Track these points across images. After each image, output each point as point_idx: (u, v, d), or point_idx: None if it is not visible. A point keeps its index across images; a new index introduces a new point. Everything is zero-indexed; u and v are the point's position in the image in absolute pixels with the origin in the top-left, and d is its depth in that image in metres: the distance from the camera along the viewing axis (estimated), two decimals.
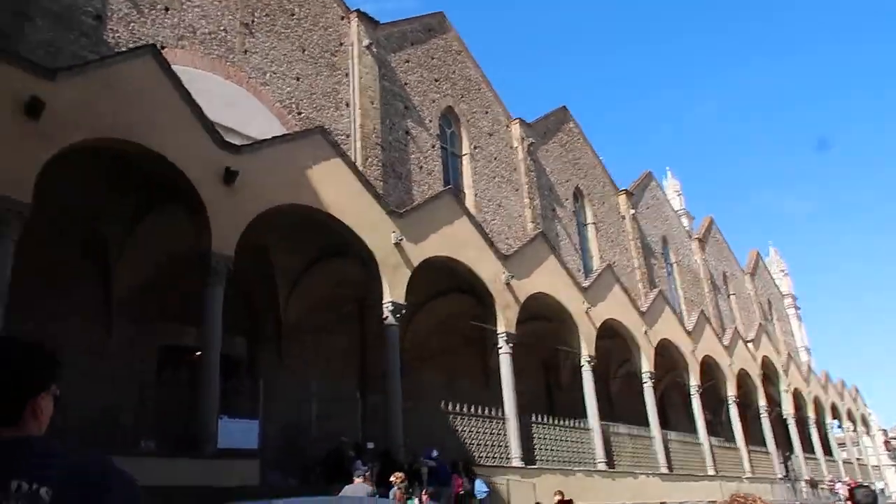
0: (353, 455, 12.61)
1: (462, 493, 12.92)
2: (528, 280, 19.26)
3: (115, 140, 11.00)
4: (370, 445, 13.26)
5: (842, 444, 44.75)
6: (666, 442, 23.35)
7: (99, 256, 14.24)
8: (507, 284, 18.21)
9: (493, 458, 16.25)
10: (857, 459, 45.38)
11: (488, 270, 17.85)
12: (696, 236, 43.55)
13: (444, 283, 19.05)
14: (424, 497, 10.32)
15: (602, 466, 19.51)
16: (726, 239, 48.06)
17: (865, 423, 50.52)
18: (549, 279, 20.19)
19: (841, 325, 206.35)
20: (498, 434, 16.73)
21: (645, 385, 23.46)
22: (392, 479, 9.64)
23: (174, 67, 12.62)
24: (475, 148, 26.69)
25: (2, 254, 9.23)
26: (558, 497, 13.78)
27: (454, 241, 16.97)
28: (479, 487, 13.53)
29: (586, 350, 20.76)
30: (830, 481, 34.19)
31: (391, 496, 9.53)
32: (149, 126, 11.31)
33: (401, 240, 15.19)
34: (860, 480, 39.20)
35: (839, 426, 44.00)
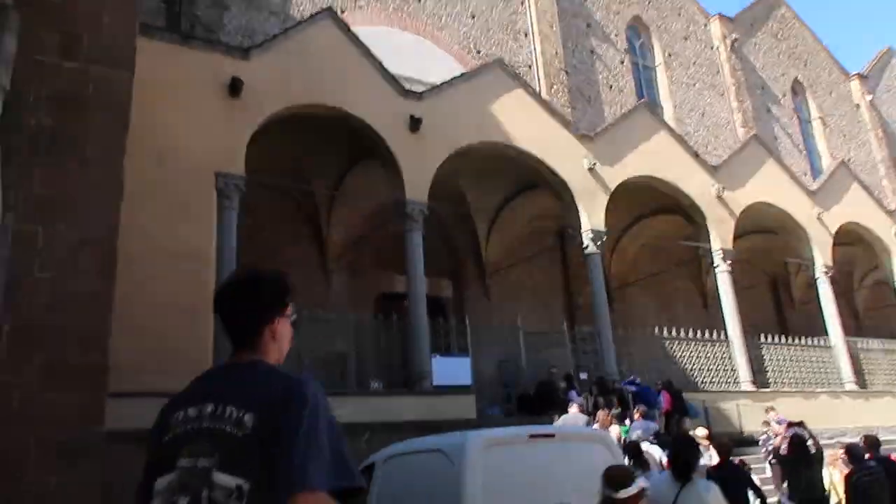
0: (565, 385, 12.57)
1: (671, 410, 12.21)
2: (743, 190, 17.47)
3: (308, 105, 11.66)
4: (583, 375, 13.11)
5: None
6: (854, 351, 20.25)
7: (312, 216, 15.45)
8: (719, 197, 16.68)
9: (718, 382, 15.29)
10: None
11: (695, 185, 16.46)
12: None
13: (647, 203, 17.95)
14: (636, 415, 9.95)
15: (850, 387, 17.48)
16: None
17: None
18: (768, 186, 18.13)
19: None
20: (722, 358, 15.66)
21: None
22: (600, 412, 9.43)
23: (354, 29, 13.00)
24: (669, 55, 24.50)
25: (227, 224, 10.29)
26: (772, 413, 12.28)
27: (653, 159, 15.84)
28: (691, 407, 12.71)
29: (821, 260, 18.49)
30: None
31: (597, 419, 9.33)
32: (335, 87, 11.82)
33: (594, 164, 14.50)
34: None
35: None
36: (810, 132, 28.70)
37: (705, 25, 25.98)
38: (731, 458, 7.13)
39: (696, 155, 16.93)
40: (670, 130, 16.80)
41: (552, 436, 4.83)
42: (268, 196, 13.46)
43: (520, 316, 14.28)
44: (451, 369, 11.27)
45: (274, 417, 1.53)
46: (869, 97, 31.09)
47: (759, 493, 6.43)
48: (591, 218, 14.34)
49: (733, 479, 6.20)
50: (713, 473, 6.27)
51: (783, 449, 7.12)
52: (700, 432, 9.74)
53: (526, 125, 13.99)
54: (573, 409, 10.35)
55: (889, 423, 17.49)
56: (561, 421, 9.98)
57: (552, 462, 4.55)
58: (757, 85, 26.82)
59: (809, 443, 6.98)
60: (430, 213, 12.72)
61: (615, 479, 3.27)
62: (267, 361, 1.72)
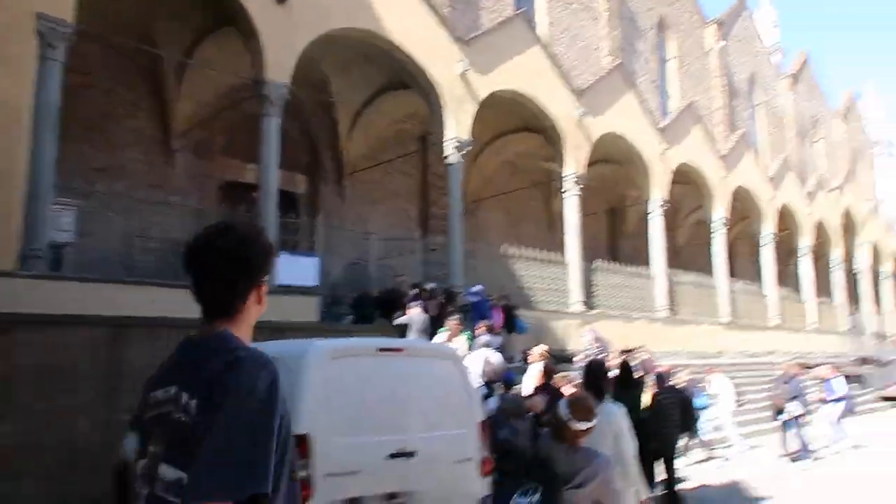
0: (413, 294, 12.59)
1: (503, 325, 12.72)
2: (602, 118, 17.99)
3: None
4: (430, 285, 13.16)
5: None
6: (731, 292, 22.81)
7: (156, 86, 13.79)
8: (580, 121, 17.05)
9: (553, 302, 16.11)
10: None
11: (560, 106, 16.64)
12: (790, 73, 39.88)
13: (511, 120, 18.00)
14: (481, 328, 10.21)
15: (664, 314, 19.27)
16: (819, 78, 43.98)
17: None
18: (624, 118, 18.83)
19: None
20: (559, 279, 16.46)
21: (715, 233, 22.54)
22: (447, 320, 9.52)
23: None
24: None
25: (49, 77, 8.77)
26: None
27: (525, 73, 15.70)
28: (519, 324, 13.30)
29: (659, 195, 19.78)
30: None
31: (447, 326, 9.44)
32: None
33: (467, 70, 14.08)
34: None
35: None
36: (666, 71, 30.06)
37: None
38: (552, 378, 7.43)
39: (565, 77, 17.01)
40: (544, 47, 16.66)
41: (401, 350, 4.64)
42: (104, 55, 11.72)
43: (374, 220, 13.98)
44: (298, 269, 10.77)
45: (214, 404, 1.38)
46: (721, 44, 32.95)
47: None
48: (458, 126, 14.05)
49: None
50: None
51: (613, 372, 7.63)
52: (538, 349, 10.15)
53: (402, 18, 13.15)
54: (416, 309, 10.40)
55: (691, 347, 19.65)
56: (406, 319, 10.02)
57: (399, 377, 4.39)
58: (626, 16, 27.34)
59: (635, 368, 7.68)
60: (291, 98, 11.76)
61: (582, 410, 3.18)
62: (233, 334, 1.53)
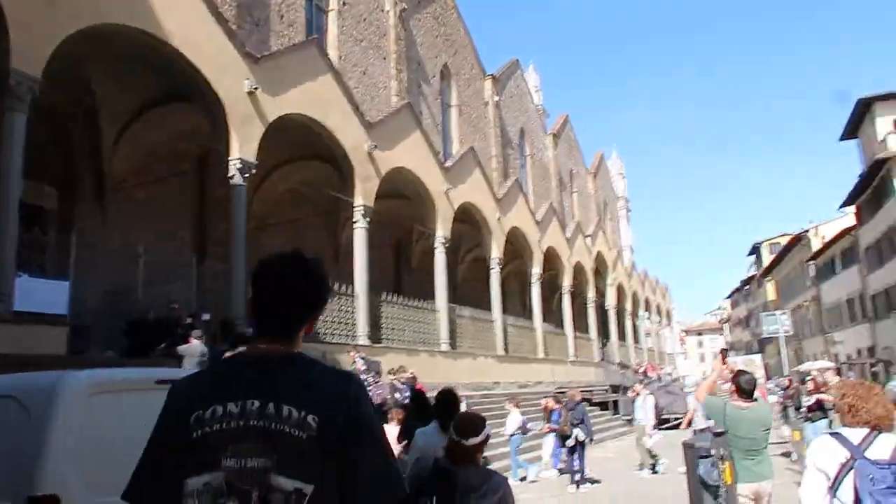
0: (189, 323, 11.33)
1: None
2: (391, 153, 18.13)
3: None
4: (205, 316, 11.95)
5: (647, 334, 49.72)
6: (505, 326, 24.13)
7: None
8: (370, 154, 16.97)
9: (341, 335, 15.60)
10: (659, 347, 51.02)
11: (351, 137, 16.42)
12: (552, 132, 44.21)
13: (299, 147, 17.38)
14: None
15: (445, 347, 19.68)
16: (577, 138, 49.45)
17: (669, 316, 56.69)
18: (412, 154, 19.19)
19: (659, 228, 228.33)
20: (346, 311, 16.02)
21: (492, 271, 23.77)
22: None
23: None
24: (344, 4, 24.15)
25: None
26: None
27: (316, 101, 15.26)
28: None
29: (442, 231, 20.35)
30: (638, 364, 38.03)
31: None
32: None
33: (256, 88, 13.26)
34: (660, 365, 44.22)
35: (648, 318, 48.73)
36: (449, 116, 31.55)
37: None
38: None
39: (357, 108, 16.88)
40: (338, 76, 16.40)
41: None
42: None
43: (141, 244, 12.39)
44: (43, 294, 9.07)
45: (340, 419, 1.47)
46: (496, 98, 35.55)
47: None
48: (244, 147, 13.12)
49: None
50: None
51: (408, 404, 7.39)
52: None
53: (186, 23, 12.03)
54: (193, 340, 9.32)
55: (470, 379, 20.27)
56: (180, 350, 8.86)
57: None
58: (414, 59, 28.31)
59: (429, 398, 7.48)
60: (42, 96, 10.04)
61: (466, 427, 3.16)
62: (305, 355, 1.60)
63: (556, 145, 43.96)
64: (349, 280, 16.46)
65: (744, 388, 5.46)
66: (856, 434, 2.77)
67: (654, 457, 11.90)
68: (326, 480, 1.44)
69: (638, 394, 13.02)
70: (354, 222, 16.86)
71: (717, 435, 4.79)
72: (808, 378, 14.58)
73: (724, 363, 6.07)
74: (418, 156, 19.52)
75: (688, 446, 5.43)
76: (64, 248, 10.43)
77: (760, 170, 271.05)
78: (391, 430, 7.34)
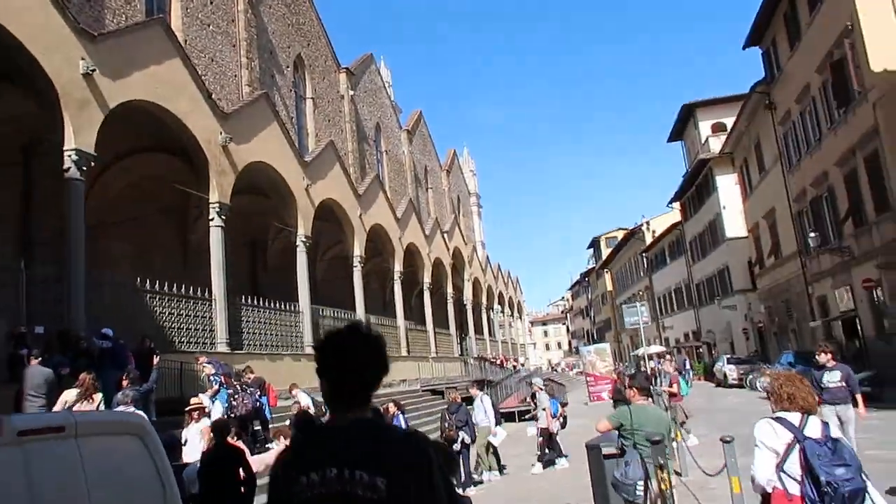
0: (21, 334, 9.82)
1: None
2: (248, 146, 17.00)
3: None
4: (39, 329, 10.42)
5: (500, 326, 51.38)
6: (368, 325, 23.62)
7: None
8: (224, 147, 15.77)
9: (196, 342, 14.37)
10: (511, 339, 52.92)
11: (203, 127, 15.16)
12: (406, 127, 44.20)
13: (142, 138, 15.84)
14: (124, 383, 8.25)
15: (310, 350, 18.86)
16: (431, 135, 49.88)
17: (520, 309, 59.01)
18: (270, 148, 18.14)
19: (506, 224, 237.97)
20: (203, 317, 14.79)
21: (354, 269, 23.21)
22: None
23: None
24: None
25: None
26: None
27: (163, 86, 13.89)
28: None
29: (303, 229, 19.49)
30: (494, 357, 39.11)
31: (81, 383, 7.34)
32: None
33: (93, 70, 11.76)
34: (512, 357, 45.87)
35: (501, 311, 50.36)
36: (303, 109, 30.41)
37: None
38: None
39: (209, 96, 15.63)
40: (187, 61, 15.04)
41: (59, 429, 2.80)
42: None
43: None
44: None
45: (407, 480, 1.61)
46: (351, 92, 34.84)
47: (250, 474, 5.86)
48: (80, 136, 11.58)
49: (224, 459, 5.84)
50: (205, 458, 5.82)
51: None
52: (194, 400, 8.71)
53: None
54: (34, 361, 8.02)
55: None
56: (28, 377, 7.57)
57: (52, 475, 2.72)
58: (266, 48, 26.93)
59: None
60: None
61: (222, 428, 3.31)
62: (380, 422, 1.78)
63: (410, 141, 44.03)
64: (202, 283, 15.21)
65: (644, 387, 5.50)
66: (794, 418, 3.27)
67: (547, 452, 11.66)
68: None
69: (473, 396, 12.46)
70: (210, 220, 15.62)
71: (655, 443, 4.73)
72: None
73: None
74: (276, 149, 18.51)
75: (591, 448, 5.37)
76: None
77: (598, 169, 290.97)
78: (278, 450, 6.71)
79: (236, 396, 10.50)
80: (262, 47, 26.37)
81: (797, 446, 3.13)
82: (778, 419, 3.29)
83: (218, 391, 10.56)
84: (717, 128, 36.06)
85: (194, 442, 7.67)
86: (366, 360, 1.75)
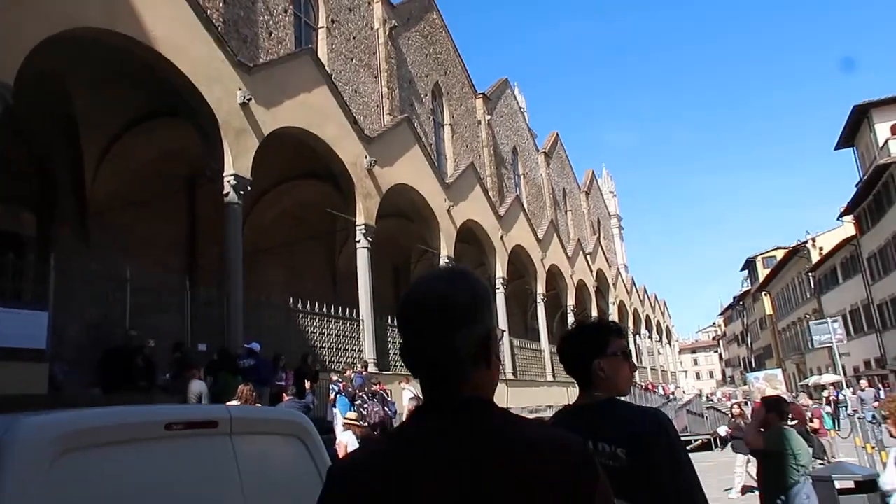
0: (179, 356, 10.20)
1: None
2: (391, 169, 17.18)
3: None
4: (202, 347, 10.82)
5: (649, 353, 48.69)
6: (512, 348, 23.05)
7: None
8: (370, 170, 16.00)
9: (345, 362, 14.46)
10: (661, 366, 49.96)
11: (349, 152, 15.47)
12: (543, 150, 43.58)
13: (295, 165, 16.44)
14: (285, 397, 8.27)
15: None
16: (568, 156, 48.89)
17: (668, 334, 55.75)
18: (412, 170, 18.26)
19: (650, 247, 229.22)
20: (351, 337, 14.91)
21: (497, 291, 22.73)
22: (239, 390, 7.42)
23: None
24: (333, 22, 23.42)
25: None
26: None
27: (312, 113, 14.33)
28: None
29: (446, 251, 19.35)
30: (644, 385, 36.92)
31: (239, 395, 7.38)
32: None
33: (249, 100, 12.30)
34: (663, 384, 43.16)
35: (649, 336, 47.76)
36: (441, 135, 30.77)
37: (370, 3, 25.64)
38: None
39: (355, 121, 15.98)
40: (333, 88, 15.50)
41: (213, 424, 2.50)
42: None
43: (129, 269, 11.26)
44: (18, 325, 7.93)
45: (644, 449, 1.76)
46: (488, 117, 34.89)
47: None
48: (238, 161, 12.11)
49: None
50: None
51: None
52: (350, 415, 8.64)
53: (172, 27, 11.09)
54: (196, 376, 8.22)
55: None
56: (189, 390, 7.74)
57: (209, 475, 2.42)
58: (405, 78, 27.58)
59: None
60: (16, 108, 9.00)
61: None
62: (614, 397, 1.97)
63: (548, 164, 43.31)
64: (350, 306, 15.38)
65: (784, 410, 4.73)
66: None
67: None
68: (644, 501, 1.76)
69: None
70: (357, 242, 15.84)
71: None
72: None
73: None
74: (419, 172, 18.60)
75: (819, 479, 4.43)
76: (42, 275, 9.27)
77: (748, 185, 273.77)
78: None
79: (364, 406, 10.47)
80: (401, 77, 27.02)
81: None
82: None
83: (335, 399, 10.65)
84: None
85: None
86: (583, 342, 2.05)
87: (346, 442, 8.21)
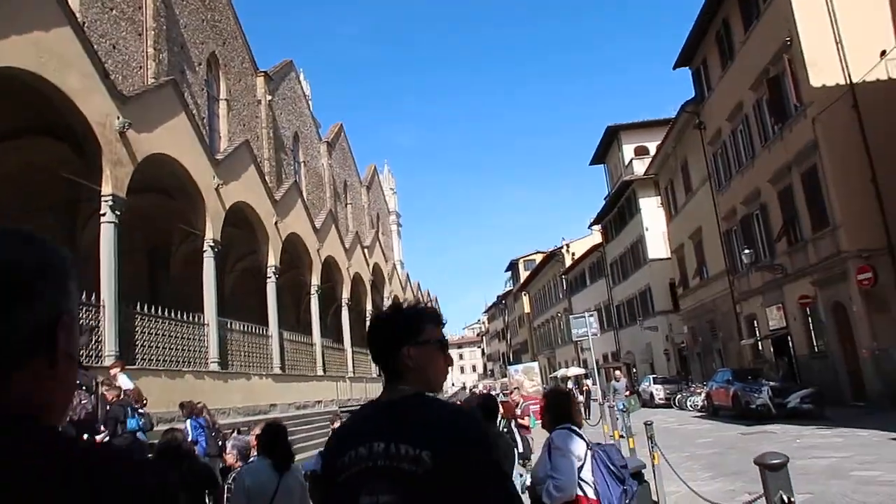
0: None
1: None
2: (150, 136, 15.00)
3: None
4: None
5: None
6: (282, 342, 21.73)
7: None
8: (122, 133, 13.75)
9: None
10: None
11: (96, 110, 13.11)
12: (326, 139, 42.45)
13: (24, 118, 13.61)
14: None
15: (215, 367, 16.81)
16: (352, 149, 48.30)
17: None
18: (176, 140, 16.15)
19: (427, 243, 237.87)
20: (88, 324, 12.61)
21: (269, 280, 21.26)
22: None
23: None
24: None
25: None
26: None
27: (48, 56, 11.83)
28: None
29: (212, 233, 17.49)
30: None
31: None
32: None
33: None
34: None
35: None
36: (216, 110, 28.24)
37: None
38: None
39: (106, 74, 13.62)
40: (80, 30, 13.02)
41: None
42: None
43: None
44: None
45: (454, 454, 1.53)
46: (269, 97, 32.90)
47: None
48: None
49: None
50: None
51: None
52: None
53: None
54: None
55: (245, 402, 17.62)
56: None
57: None
58: (177, 42, 24.76)
59: None
60: None
61: None
62: (425, 395, 1.71)
63: (330, 154, 42.26)
64: (93, 289, 13.06)
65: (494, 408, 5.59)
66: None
67: None
68: None
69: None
70: (102, 215, 13.48)
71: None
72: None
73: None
74: (184, 143, 16.54)
75: None
76: None
77: (517, 194, 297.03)
78: None
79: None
80: (171, 40, 24.18)
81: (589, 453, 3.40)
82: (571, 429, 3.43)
83: None
84: (641, 151, 36.42)
85: None
86: (393, 326, 1.75)
87: None
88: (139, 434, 9.17)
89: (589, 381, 22.91)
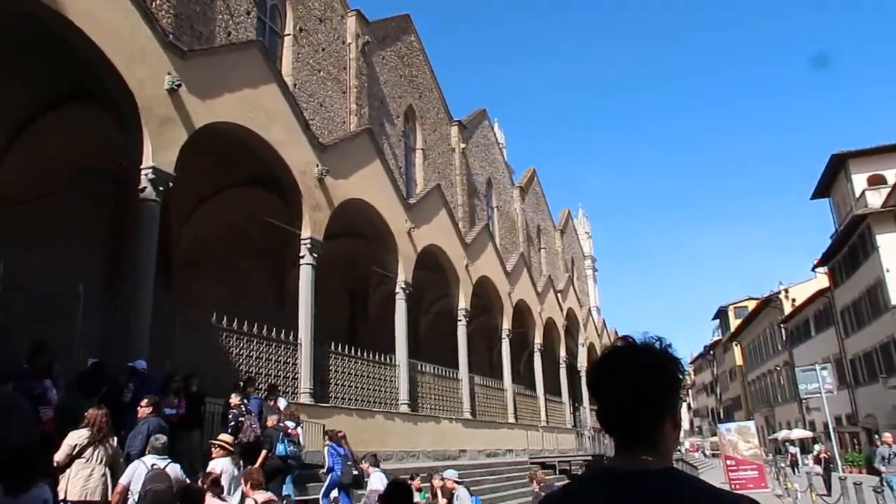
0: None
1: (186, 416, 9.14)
2: (346, 182, 15.76)
3: None
4: (92, 361, 9.13)
5: None
6: (472, 386, 21.47)
7: None
8: (321, 180, 14.56)
9: (279, 390, 12.77)
10: None
11: (298, 158, 14.04)
12: (519, 185, 42.60)
13: (237, 171, 14.93)
14: (143, 410, 6.70)
15: (405, 409, 16.89)
16: (545, 194, 47.99)
17: None
18: (371, 186, 16.84)
19: (623, 293, 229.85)
20: (286, 362, 13.26)
21: (459, 324, 21.24)
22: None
23: None
24: (300, 30, 22.20)
25: None
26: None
27: (256, 109, 12.89)
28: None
29: (403, 276, 17.86)
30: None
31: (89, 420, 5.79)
32: None
33: (179, 86, 10.84)
34: None
35: None
36: (412, 159, 29.53)
37: (342, 16, 24.54)
38: None
39: (307, 125, 14.58)
40: (284, 87, 14.11)
41: None
42: None
43: (28, 275, 9.62)
44: None
45: None
46: (462, 145, 33.81)
47: None
48: (159, 154, 10.57)
49: None
50: None
51: None
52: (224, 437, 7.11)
53: (98, 2, 9.68)
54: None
55: (434, 446, 17.46)
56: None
57: None
58: (377, 97, 26.39)
59: None
60: None
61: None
62: (680, 471, 1.33)
63: (523, 199, 42.27)
64: (295, 329, 13.77)
65: None
66: None
67: None
68: None
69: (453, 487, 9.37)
70: (301, 258, 14.29)
71: None
72: None
73: None
74: (378, 188, 17.20)
75: None
76: None
77: (722, 233, 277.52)
78: None
79: (240, 420, 9.06)
80: (372, 96, 25.82)
81: None
82: None
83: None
84: (876, 180, 31.74)
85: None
86: (644, 381, 1.31)
87: (218, 468, 6.58)
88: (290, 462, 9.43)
89: (819, 447, 19.68)
